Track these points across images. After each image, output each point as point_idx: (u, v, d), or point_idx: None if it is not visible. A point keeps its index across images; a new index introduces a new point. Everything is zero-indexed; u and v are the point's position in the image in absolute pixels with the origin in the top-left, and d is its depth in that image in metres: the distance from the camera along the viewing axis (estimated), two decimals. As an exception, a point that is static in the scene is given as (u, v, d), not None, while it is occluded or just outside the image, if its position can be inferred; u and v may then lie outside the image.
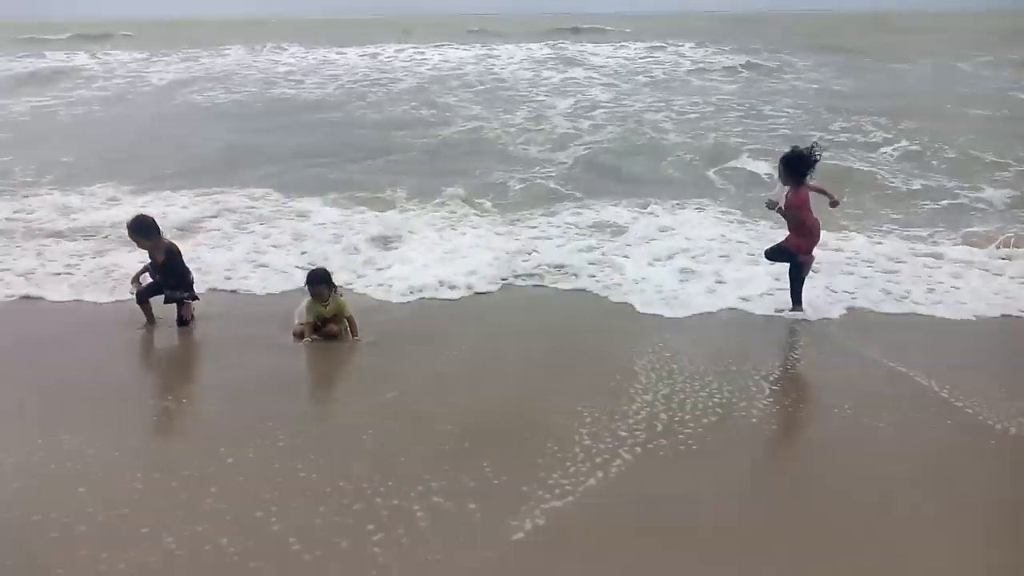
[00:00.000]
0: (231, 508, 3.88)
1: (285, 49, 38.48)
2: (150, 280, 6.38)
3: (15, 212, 10.10)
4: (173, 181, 11.83)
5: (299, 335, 6.10)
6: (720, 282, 7.37)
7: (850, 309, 6.75)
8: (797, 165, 6.28)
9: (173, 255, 6.34)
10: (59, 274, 7.72)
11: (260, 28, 66.00)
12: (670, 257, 8.10)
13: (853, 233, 8.84)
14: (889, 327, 6.43)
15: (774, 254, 6.68)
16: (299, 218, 9.73)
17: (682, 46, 35.54)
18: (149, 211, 7.29)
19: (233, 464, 4.29)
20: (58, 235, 9.09)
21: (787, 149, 6.48)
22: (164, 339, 6.25)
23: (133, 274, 6.42)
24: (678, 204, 10.25)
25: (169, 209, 10.01)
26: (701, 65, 28.25)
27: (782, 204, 6.44)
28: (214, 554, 3.53)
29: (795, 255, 6.53)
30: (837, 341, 6.10)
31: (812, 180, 6.44)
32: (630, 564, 3.48)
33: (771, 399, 5.05)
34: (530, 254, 8.23)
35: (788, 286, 6.70)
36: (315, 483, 4.10)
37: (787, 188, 6.42)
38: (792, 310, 6.66)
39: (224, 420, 4.87)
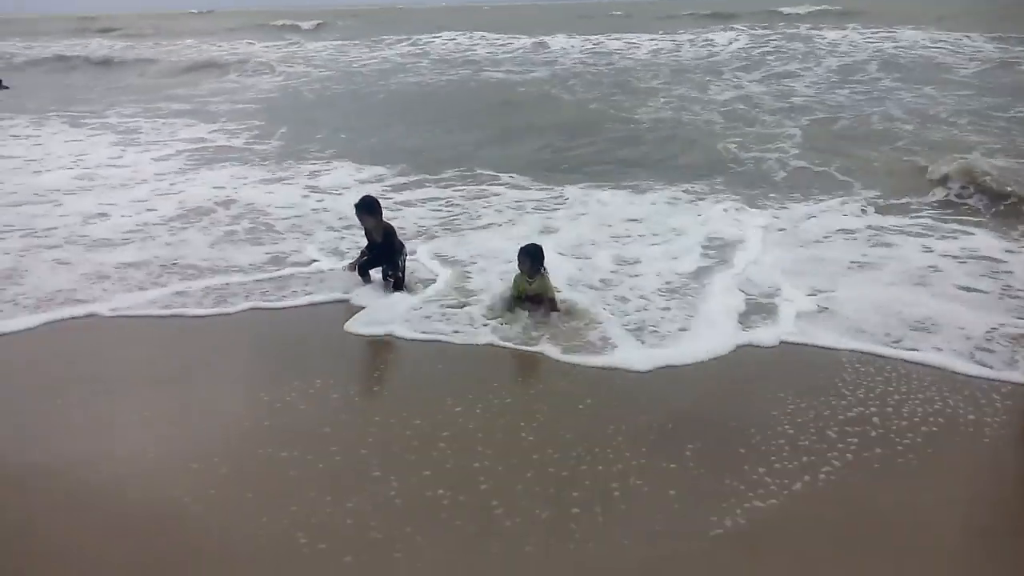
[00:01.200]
0: (453, 458, 4.23)
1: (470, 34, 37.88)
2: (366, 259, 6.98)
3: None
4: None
5: (495, 305, 6.38)
6: None
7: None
8: None
9: (390, 235, 6.86)
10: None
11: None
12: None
13: None
14: None
15: None
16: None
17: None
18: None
19: (461, 415, 4.69)
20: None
21: None
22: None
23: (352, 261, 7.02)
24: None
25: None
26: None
27: None
28: (430, 502, 3.86)
29: None
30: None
31: None
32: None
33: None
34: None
35: None
36: (527, 447, 4.35)
37: None
38: None
39: (456, 378, 5.25)
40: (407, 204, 10.03)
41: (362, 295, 6.74)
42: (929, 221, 8.53)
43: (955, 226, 8.31)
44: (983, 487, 4.07)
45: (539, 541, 3.59)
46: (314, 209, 9.79)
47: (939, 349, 5.46)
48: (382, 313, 6.33)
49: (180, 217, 9.41)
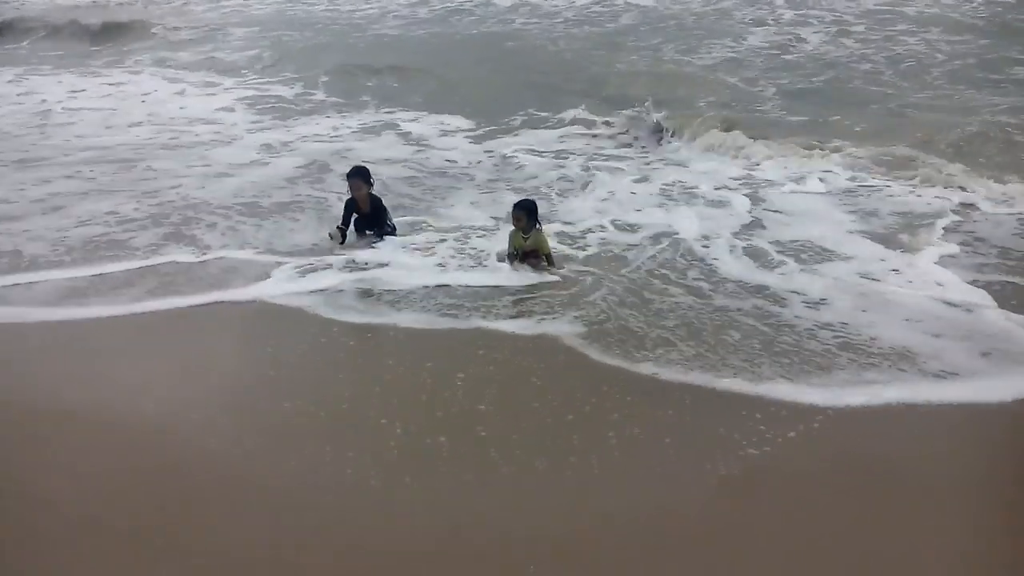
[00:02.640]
0: (455, 411, 4.30)
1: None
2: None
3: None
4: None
5: (502, 259, 6.39)
6: None
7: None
8: None
9: (378, 206, 6.91)
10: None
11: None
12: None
13: None
14: None
15: None
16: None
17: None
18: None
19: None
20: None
21: None
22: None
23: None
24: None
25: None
26: None
27: None
28: (431, 448, 3.93)
29: None
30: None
31: None
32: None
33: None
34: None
35: None
36: (529, 396, 4.42)
37: None
38: None
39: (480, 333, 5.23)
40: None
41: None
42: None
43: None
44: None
45: (536, 488, 3.67)
46: (448, 160, 9.77)
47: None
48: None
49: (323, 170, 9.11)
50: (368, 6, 22.84)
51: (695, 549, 3.28)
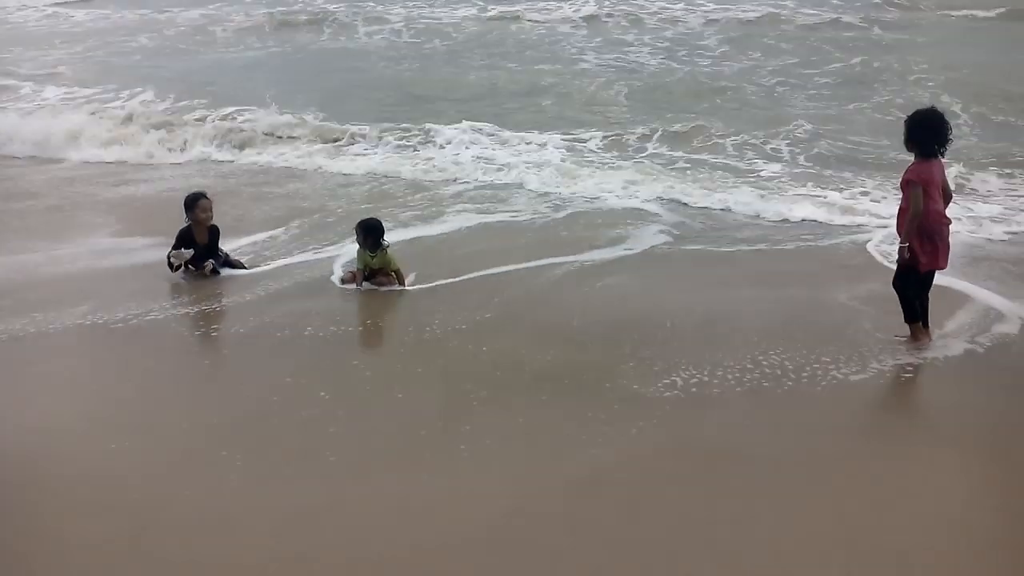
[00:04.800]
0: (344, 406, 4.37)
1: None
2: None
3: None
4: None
5: (346, 281, 6.26)
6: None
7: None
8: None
9: (216, 234, 6.58)
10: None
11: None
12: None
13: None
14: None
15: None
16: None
17: None
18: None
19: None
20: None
21: None
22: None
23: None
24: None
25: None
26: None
27: None
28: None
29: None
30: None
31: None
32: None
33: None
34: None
35: None
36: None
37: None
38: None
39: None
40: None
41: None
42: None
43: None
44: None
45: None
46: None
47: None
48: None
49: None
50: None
51: (549, 549, 3.29)
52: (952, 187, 5.25)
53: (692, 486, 3.73)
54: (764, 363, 4.83)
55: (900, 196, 5.05)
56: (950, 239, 4.99)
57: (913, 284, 4.99)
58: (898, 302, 5.08)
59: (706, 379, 4.66)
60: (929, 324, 5.10)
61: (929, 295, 5.08)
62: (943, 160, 4.98)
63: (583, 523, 3.45)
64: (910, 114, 4.97)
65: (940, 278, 5.22)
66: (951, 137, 4.85)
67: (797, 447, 4.11)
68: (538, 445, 4.07)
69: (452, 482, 3.74)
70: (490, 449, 4.03)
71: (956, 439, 4.18)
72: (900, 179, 5.02)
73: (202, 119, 12.09)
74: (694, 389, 4.56)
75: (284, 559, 3.21)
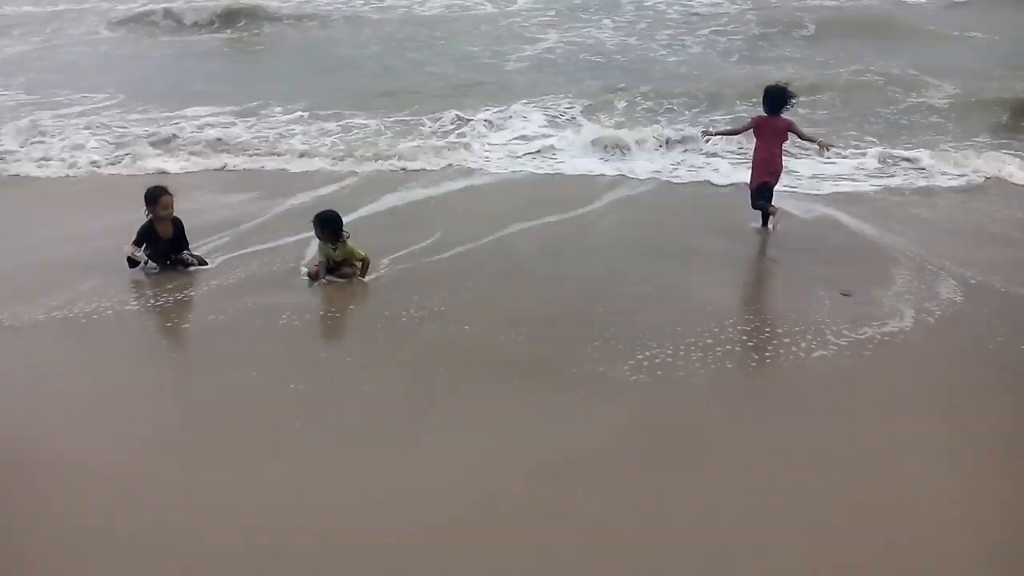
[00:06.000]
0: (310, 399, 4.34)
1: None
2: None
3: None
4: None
5: (313, 276, 6.15)
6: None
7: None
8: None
9: (181, 228, 6.47)
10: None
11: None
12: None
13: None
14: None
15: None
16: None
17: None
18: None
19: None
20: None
21: None
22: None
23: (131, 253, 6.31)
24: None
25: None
26: None
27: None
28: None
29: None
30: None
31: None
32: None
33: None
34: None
35: None
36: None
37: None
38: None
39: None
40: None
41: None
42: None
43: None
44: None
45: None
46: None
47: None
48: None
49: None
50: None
51: (517, 535, 3.32)
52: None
53: (660, 468, 3.78)
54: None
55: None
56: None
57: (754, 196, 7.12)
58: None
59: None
60: (771, 217, 7.04)
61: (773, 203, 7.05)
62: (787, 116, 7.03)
63: (551, 509, 3.48)
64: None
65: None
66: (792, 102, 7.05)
67: (759, 425, 4.17)
68: (506, 432, 4.10)
69: (420, 471, 3.75)
70: (457, 437, 4.05)
71: (924, 413, 4.25)
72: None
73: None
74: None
75: (253, 551, 3.21)
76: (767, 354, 4.86)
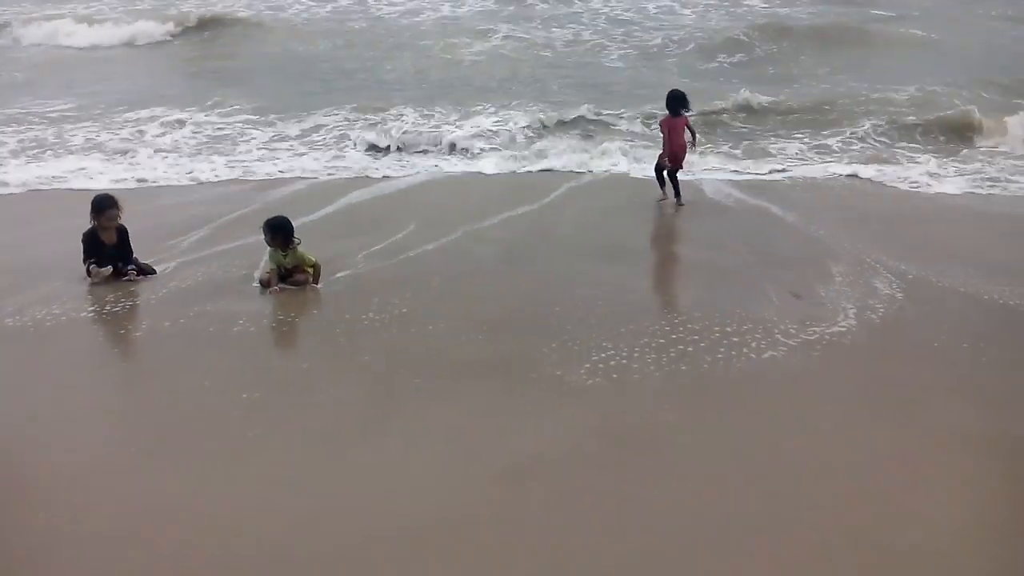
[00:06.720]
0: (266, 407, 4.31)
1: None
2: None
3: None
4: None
5: (265, 283, 6.05)
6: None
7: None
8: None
9: (125, 235, 6.34)
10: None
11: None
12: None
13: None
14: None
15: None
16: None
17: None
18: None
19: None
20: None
21: None
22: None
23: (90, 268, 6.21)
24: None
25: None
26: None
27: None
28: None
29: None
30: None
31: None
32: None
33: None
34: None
35: None
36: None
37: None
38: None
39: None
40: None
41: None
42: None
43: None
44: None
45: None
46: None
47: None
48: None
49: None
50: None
51: (478, 538, 3.34)
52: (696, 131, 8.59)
53: (619, 470, 3.83)
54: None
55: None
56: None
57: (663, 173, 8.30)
58: None
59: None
60: (680, 195, 8.25)
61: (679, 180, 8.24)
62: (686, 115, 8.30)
63: (512, 512, 3.52)
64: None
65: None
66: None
67: (718, 427, 4.23)
68: (466, 436, 4.13)
69: (379, 477, 3.76)
70: (417, 442, 4.06)
71: (879, 410, 4.37)
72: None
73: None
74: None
75: (203, 562, 3.18)
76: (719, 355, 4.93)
